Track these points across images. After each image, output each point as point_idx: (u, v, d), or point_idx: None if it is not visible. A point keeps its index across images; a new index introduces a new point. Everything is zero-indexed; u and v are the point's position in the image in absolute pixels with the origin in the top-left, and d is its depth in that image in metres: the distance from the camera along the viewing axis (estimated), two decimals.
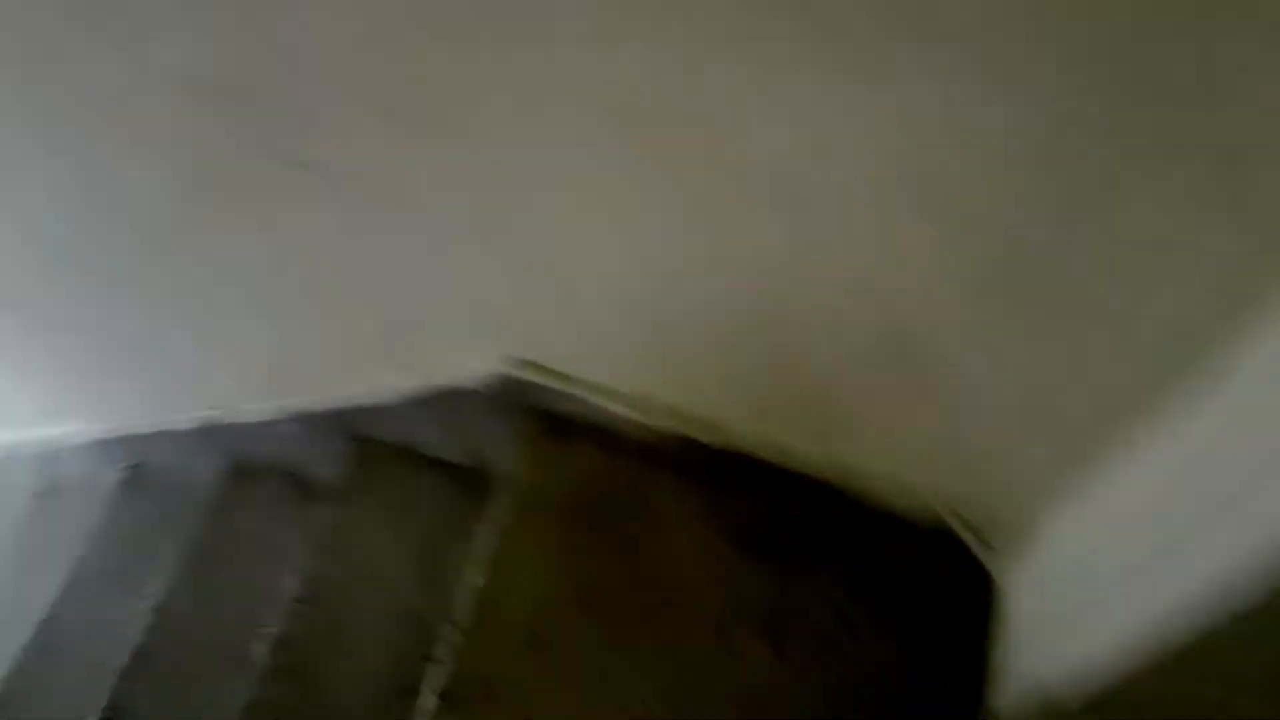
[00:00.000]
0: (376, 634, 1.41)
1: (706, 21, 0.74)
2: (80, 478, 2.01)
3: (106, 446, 1.88)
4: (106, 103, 1.08)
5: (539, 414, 1.34)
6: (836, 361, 1.10)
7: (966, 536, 1.24)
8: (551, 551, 1.22)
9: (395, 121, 1.00)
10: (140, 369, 1.64)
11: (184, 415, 1.70)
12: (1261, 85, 0.62)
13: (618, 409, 1.31)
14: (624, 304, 1.11)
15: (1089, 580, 1.00)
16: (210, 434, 1.70)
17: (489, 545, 1.28)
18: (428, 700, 1.12)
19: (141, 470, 1.92)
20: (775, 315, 1.03)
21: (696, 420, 1.28)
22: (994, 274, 0.90)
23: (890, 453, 1.22)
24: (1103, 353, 0.90)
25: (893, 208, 0.88)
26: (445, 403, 1.39)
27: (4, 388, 1.84)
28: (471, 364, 1.32)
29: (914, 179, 0.83)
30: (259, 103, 1.03)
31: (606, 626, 1.19)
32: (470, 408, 1.38)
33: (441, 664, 1.17)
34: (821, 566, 1.30)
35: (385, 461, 1.55)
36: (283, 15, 0.91)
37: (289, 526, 1.66)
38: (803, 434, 1.24)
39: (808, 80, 0.76)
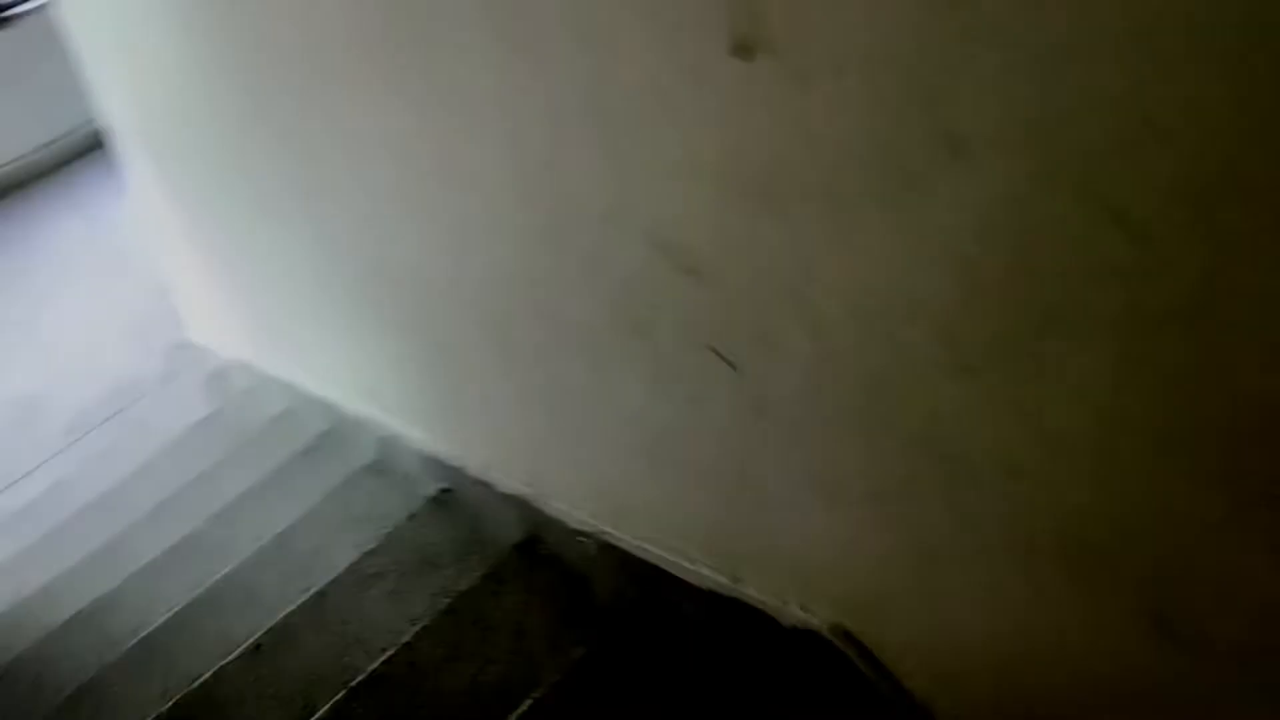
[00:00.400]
0: None
1: None
2: (403, 474, 2.16)
3: (436, 464, 1.99)
4: (583, 237, 1.12)
5: (841, 688, 1.18)
6: None
7: None
8: None
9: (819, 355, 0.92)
10: (495, 424, 1.70)
11: (507, 478, 1.74)
12: None
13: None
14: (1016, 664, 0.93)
15: None
16: (520, 505, 1.73)
17: None
18: None
19: (452, 498, 2.01)
20: None
21: None
22: None
23: None
24: None
25: None
26: (751, 619, 1.27)
27: (389, 379, 2.02)
28: (793, 605, 1.20)
29: None
30: (703, 283, 1.00)
31: None
32: (768, 637, 1.25)
33: None
34: None
35: (664, 632, 1.46)
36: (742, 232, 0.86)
37: (550, 634, 1.63)
38: None
39: None
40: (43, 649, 2.11)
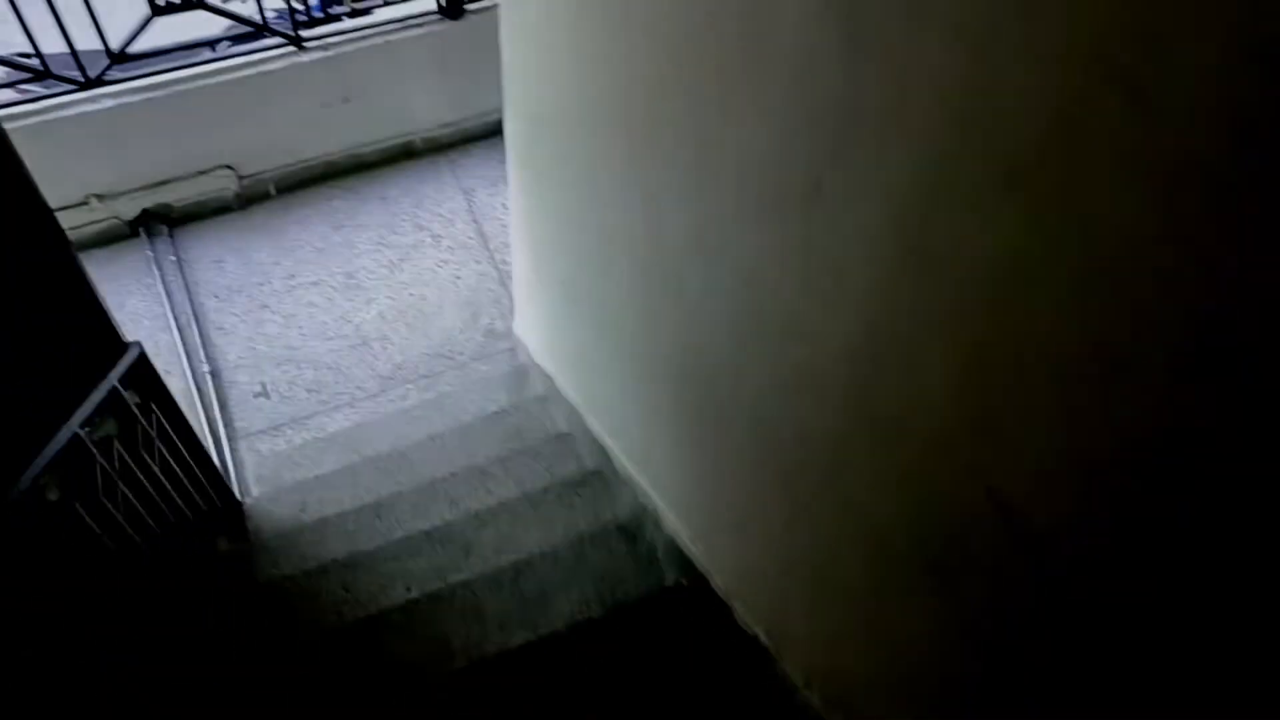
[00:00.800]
0: None
1: None
2: (649, 550, 2.13)
3: (683, 559, 1.93)
4: (912, 454, 0.99)
5: None
6: None
7: None
8: None
9: None
10: (757, 562, 1.61)
11: (747, 613, 1.64)
12: None
13: None
14: None
15: None
16: (752, 645, 1.62)
17: None
18: None
19: (689, 597, 1.94)
20: None
21: None
22: None
23: None
24: None
25: None
26: None
27: (667, 460, 2.00)
28: None
29: None
30: (1045, 559, 0.84)
31: None
32: None
33: None
34: None
35: None
36: None
37: None
38: None
39: None
40: (297, 583, 2.31)
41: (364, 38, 3.77)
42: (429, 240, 4.06)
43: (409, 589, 2.21)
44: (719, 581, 1.76)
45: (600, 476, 2.50)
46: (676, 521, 1.99)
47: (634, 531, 2.22)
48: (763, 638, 1.58)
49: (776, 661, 1.53)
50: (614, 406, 2.43)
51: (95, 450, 1.79)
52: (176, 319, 3.68)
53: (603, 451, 2.47)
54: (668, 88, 1.47)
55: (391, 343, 3.69)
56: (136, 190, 3.77)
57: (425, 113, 4.19)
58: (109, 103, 3.45)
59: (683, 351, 1.76)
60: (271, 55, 3.66)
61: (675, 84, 1.46)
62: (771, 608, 1.56)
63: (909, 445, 1.00)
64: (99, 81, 3.42)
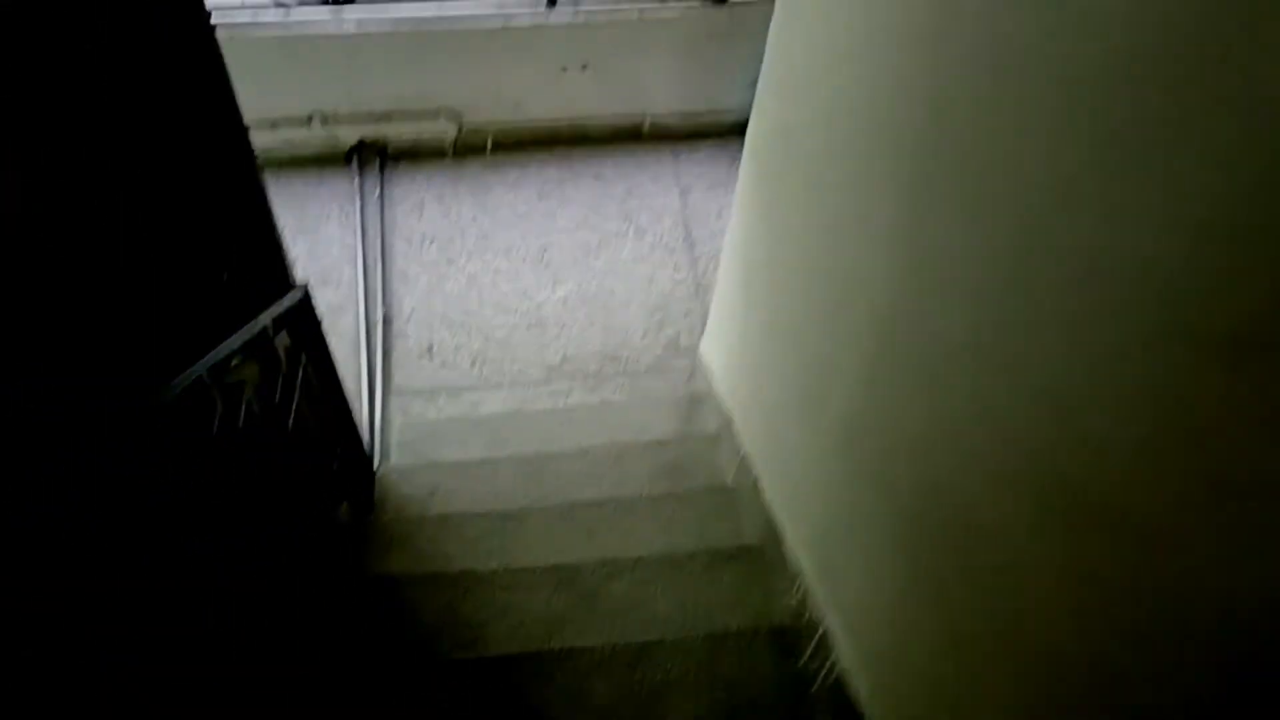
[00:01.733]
0: None
1: None
2: (807, 671, 1.73)
3: (850, 708, 1.53)
4: None
5: None
6: None
7: None
8: None
9: None
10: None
11: None
12: None
13: None
14: None
15: None
16: None
17: None
18: None
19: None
20: None
21: None
22: None
23: None
24: None
25: None
26: None
27: (854, 575, 1.59)
28: None
29: None
30: None
31: None
32: None
33: None
34: None
35: None
36: None
37: None
38: None
39: None
40: (402, 590, 2.07)
41: (618, 8, 3.51)
42: (632, 232, 3.77)
43: (514, 632, 1.92)
44: None
45: (759, 556, 2.12)
46: (852, 657, 1.58)
47: (789, 646, 1.83)
48: None
49: None
50: (799, 483, 2.04)
51: (219, 397, 1.58)
52: (365, 256, 3.56)
53: (770, 528, 2.09)
54: (980, 139, 1.07)
55: (568, 331, 3.43)
56: (359, 119, 3.68)
57: (661, 97, 3.90)
58: (352, 27, 3.34)
59: (920, 466, 1.36)
60: (521, 10, 3.46)
61: (985, 135, 1.06)
62: None
63: None
64: None
